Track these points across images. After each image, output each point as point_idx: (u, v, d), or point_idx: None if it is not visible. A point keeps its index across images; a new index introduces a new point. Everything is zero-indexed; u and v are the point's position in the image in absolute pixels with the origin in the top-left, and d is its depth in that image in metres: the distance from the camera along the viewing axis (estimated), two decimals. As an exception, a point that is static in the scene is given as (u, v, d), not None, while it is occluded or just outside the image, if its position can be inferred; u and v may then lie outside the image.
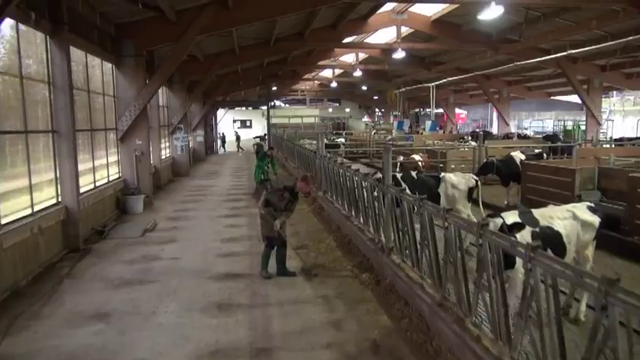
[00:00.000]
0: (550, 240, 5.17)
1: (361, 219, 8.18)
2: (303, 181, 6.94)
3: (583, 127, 25.84)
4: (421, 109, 46.77)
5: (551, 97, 31.43)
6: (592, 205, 5.67)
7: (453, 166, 15.05)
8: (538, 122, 58.75)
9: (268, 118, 36.06)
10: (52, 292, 6.40)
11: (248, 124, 46.61)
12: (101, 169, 11.09)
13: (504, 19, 16.35)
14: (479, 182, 8.67)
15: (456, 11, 17.98)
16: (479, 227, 4.01)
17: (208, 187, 16.39)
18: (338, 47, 24.35)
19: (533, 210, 5.43)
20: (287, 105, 55.40)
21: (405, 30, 21.52)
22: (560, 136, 22.02)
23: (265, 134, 29.48)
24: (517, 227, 4.73)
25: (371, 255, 7.25)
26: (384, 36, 24.32)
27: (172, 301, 6.01)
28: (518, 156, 11.74)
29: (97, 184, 10.65)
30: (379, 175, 8.07)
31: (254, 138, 30.64)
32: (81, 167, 9.72)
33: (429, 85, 23.19)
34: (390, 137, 25.23)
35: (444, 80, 23.64)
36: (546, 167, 10.31)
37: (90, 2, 9.89)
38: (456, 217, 4.52)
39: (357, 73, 28.84)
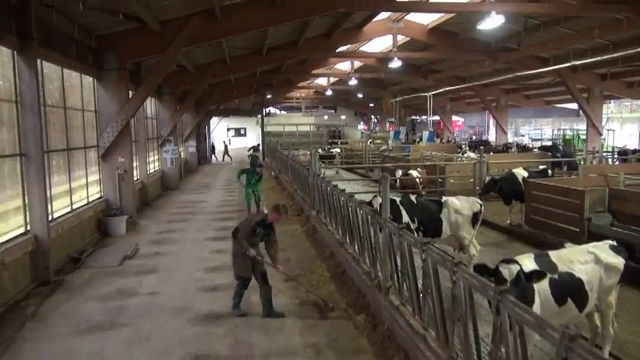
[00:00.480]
0: (570, 288, 4.56)
1: (356, 247, 7.55)
2: (274, 212, 6.39)
3: (583, 136, 25.37)
4: (417, 117, 46.31)
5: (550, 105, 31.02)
6: (614, 244, 5.05)
7: (452, 181, 14.47)
8: (536, 130, 58.57)
9: (262, 127, 35.49)
10: (10, 340, 5.72)
11: (242, 132, 46.00)
12: (80, 189, 10.41)
13: (503, 28, 15.80)
14: (483, 207, 8.05)
15: (453, 19, 17.47)
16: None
17: (197, 204, 15.72)
18: (332, 57, 23.81)
19: (550, 252, 4.80)
20: (283, 112, 54.80)
21: (401, 38, 21.00)
22: (560, 146, 21.46)
23: (259, 144, 28.84)
24: (537, 276, 4.10)
25: (367, 291, 6.61)
26: (379, 44, 23.81)
27: (143, 353, 5.34)
28: (521, 173, 11.14)
29: (75, 206, 9.97)
30: (377, 201, 7.45)
31: (248, 150, 29.91)
32: (56, 190, 9.07)
33: (426, 94, 22.66)
34: (383, 148, 24.64)
35: (441, 90, 23.12)
36: (553, 187, 9.71)
37: (66, 14, 9.24)
38: (466, 273, 3.88)
39: (353, 82, 28.31)
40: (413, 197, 8.08)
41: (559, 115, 52.40)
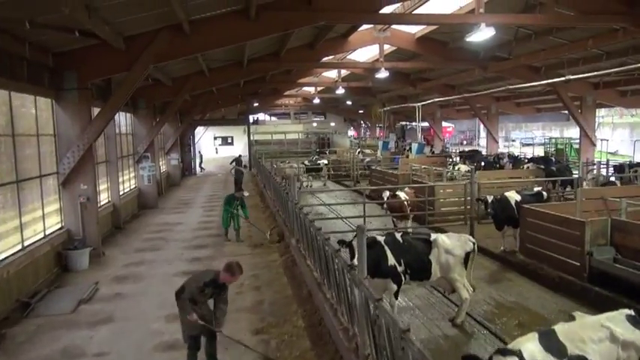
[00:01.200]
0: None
1: (334, 294, 6.71)
2: (227, 272, 5.63)
3: (576, 145, 24.80)
4: (407, 124, 45.64)
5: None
6: (632, 313, 4.26)
7: (442, 200, 13.69)
8: (527, 134, 58.17)
9: (249, 136, 34.61)
10: None
11: (230, 140, 45.01)
12: (34, 223, 9.47)
13: (493, 37, 15.07)
14: (476, 245, 7.26)
15: (441, 28, 16.78)
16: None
17: (173, 226, 14.80)
18: (317, 67, 23.04)
19: (557, 328, 4.00)
20: (273, 118, 53.82)
21: (388, 47, 20.28)
22: (552, 157, 20.81)
23: (240, 155, 27.92)
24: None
25: (344, 353, 5.77)
26: (366, 53, 23.09)
27: None
28: (513, 197, 10.38)
29: (28, 242, 9.04)
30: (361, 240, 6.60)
31: (230, 163, 28.90)
32: (1, 228, 8.14)
33: (415, 105, 21.92)
34: (368, 160, 23.86)
35: (430, 101, 22.42)
36: (550, 216, 8.95)
37: (11, 32, 8.33)
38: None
39: (340, 91, 27.55)
40: (398, 236, 7.24)
41: (549, 120, 52.14)
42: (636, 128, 38.26)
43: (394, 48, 20.18)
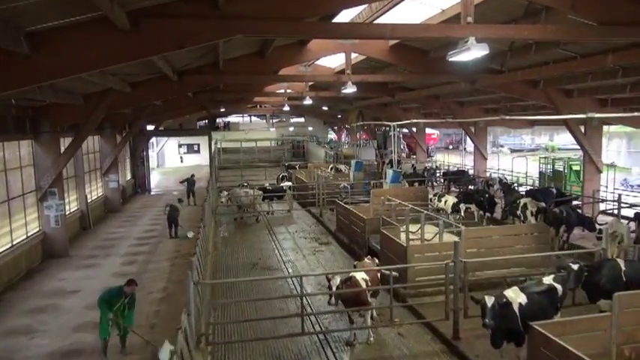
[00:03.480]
0: None
1: None
2: None
3: (576, 167, 21.63)
4: (388, 129, 42.33)
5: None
6: None
7: (418, 279, 10.22)
8: (516, 140, 55.28)
9: (210, 147, 30.98)
10: None
11: (196, 148, 41.13)
12: None
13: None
14: None
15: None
16: None
17: (63, 299, 11.18)
18: (270, 80, 19.54)
19: None
20: (253, 118, 50.01)
21: (356, 56, 16.88)
22: (552, 188, 17.57)
23: (193, 175, 24.19)
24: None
25: None
26: (334, 60, 19.60)
27: None
28: (516, 298, 6.94)
29: None
30: None
31: (180, 182, 25.13)
32: None
33: (390, 124, 18.49)
34: (342, 185, 20.37)
35: (407, 122, 18.98)
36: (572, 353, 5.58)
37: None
38: None
39: (307, 101, 24.03)
40: None
41: (541, 124, 49.28)
42: (634, 138, 35.44)
43: (364, 56, 16.78)
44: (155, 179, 35.55)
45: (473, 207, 17.35)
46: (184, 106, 24.79)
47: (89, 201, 19.35)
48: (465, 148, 55.53)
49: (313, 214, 20.24)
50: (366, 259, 9.62)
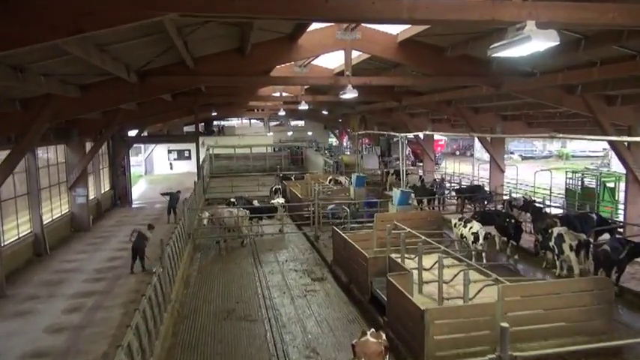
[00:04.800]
0: None
1: None
2: None
3: (610, 183, 18.88)
4: (393, 137, 39.64)
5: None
6: None
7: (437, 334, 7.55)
8: (526, 145, 52.41)
9: (197, 156, 28.27)
10: None
11: (187, 154, 38.40)
12: None
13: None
14: None
15: (434, 29, 10.78)
16: None
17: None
18: (257, 84, 16.92)
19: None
20: (253, 120, 47.30)
21: (359, 54, 14.26)
22: (593, 213, 14.75)
23: (179, 191, 21.51)
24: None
25: None
26: (334, 59, 16.95)
27: None
28: None
29: None
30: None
31: (162, 194, 22.44)
32: None
33: (398, 134, 15.72)
34: (331, 207, 17.51)
35: (418, 133, 16.19)
36: None
37: None
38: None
39: (303, 107, 21.34)
40: None
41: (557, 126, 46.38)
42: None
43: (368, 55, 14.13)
44: (141, 188, 32.97)
45: (493, 231, 14.69)
46: (167, 110, 22.08)
47: (49, 221, 16.74)
48: (472, 155, 52.83)
49: (308, 238, 17.51)
50: (369, 336, 6.88)
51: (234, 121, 49.56)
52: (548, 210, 16.92)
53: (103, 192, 24.48)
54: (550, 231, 12.61)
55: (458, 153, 54.44)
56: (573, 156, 48.11)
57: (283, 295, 12.10)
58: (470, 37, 11.45)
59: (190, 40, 9.69)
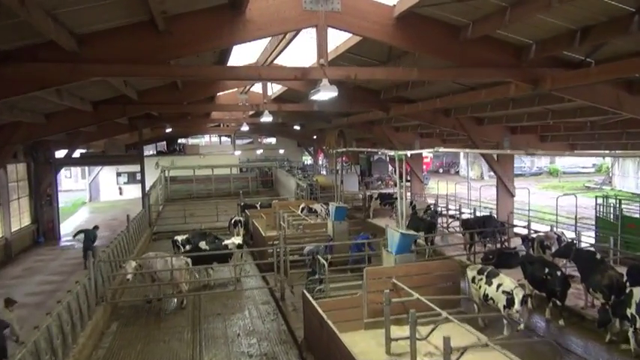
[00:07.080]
0: None
1: None
2: None
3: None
4: (373, 156, 35.67)
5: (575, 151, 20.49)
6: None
7: None
8: (515, 161, 48.92)
9: (143, 179, 23.57)
10: None
11: (138, 177, 33.50)
12: None
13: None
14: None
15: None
16: None
17: None
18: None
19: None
20: (223, 138, 42.75)
21: (341, 36, 10.11)
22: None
23: (96, 227, 16.74)
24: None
25: None
26: (301, 55, 12.67)
27: None
28: None
29: None
30: None
31: (74, 236, 17.48)
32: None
33: (391, 152, 11.35)
34: (308, 248, 12.90)
35: (424, 150, 11.69)
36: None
37: None
38: None
39: (267, 118, 16.92)
40: None
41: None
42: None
43: (358, 39, 9.97)
44: (80, 219, 27.81)
45: (528, 287, 10.61)
46: (89, 122, 17.21)
47: None
48: (458, 172, 49.20)
49: (273, 292, 12.89)
50: None
51: (198, 140, 44.83)
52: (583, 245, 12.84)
53: (17, 228, 19.45)
54: (629, 291, 8.50)
55: (441, 170, 50.90)
56: (565, 172, 44.96)
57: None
58: (506, 6, 7.42)
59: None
